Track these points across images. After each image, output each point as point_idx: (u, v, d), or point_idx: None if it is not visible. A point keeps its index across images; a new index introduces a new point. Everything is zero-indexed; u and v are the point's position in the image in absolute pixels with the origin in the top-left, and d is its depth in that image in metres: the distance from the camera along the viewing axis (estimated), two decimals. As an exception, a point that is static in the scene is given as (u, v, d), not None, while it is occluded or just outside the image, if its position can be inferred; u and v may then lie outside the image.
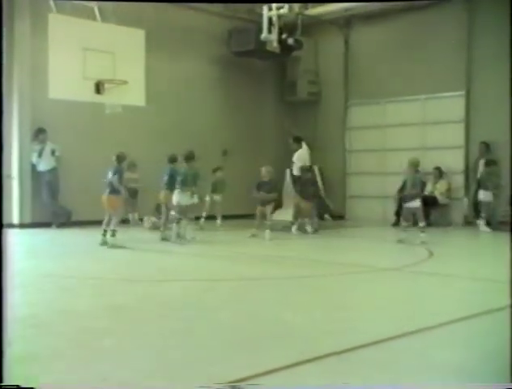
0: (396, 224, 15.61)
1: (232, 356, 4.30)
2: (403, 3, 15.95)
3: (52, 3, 12.64)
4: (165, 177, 11.85)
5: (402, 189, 16.09)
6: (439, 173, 15.77)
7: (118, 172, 10.98)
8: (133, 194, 15.07)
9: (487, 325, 5.34)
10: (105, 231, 10.91)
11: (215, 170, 14.99)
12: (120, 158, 11.17)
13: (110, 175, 10.95)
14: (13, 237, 12.35)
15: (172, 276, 8.12)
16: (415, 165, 12.01)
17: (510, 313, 4.04)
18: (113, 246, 10.66)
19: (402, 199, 12.53)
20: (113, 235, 10.78)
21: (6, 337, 3.45)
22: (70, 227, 13.78)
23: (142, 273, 8.39)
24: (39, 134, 14.11)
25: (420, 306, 6.23)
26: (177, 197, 11.47)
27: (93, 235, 11.34)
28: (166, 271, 8.61)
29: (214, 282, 7.62)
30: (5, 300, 3.50)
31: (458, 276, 8.09)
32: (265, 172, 13.12)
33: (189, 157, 11.80)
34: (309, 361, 4.14)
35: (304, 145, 14.52)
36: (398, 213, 15.75)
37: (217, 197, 14.70)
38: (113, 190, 10.92)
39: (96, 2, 13.36)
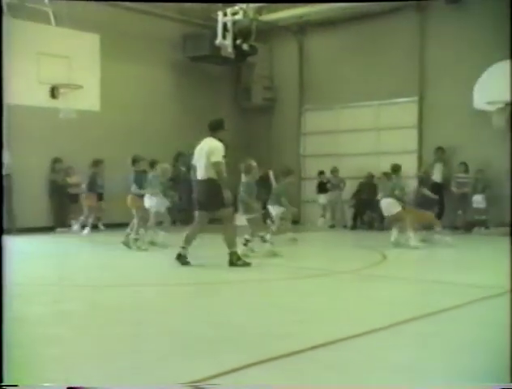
0: (354, 227, 15.86)
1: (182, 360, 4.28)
2: (355, 11, 16.24)
3: (5, 7, 12.35)
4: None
5: (357, 193, 16.40)
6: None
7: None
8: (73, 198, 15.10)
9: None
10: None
11: (285, 174, 11.84)
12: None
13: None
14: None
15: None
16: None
17: (510, 313, 4.14)
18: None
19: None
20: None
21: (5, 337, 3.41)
22: (16, 234, 12.75)
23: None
24: None
25: (372, 308, 6.28)
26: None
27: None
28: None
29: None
30: (5, 300, 3.45)
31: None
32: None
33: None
34: (260, 362, 4.13)
35: None
36: (355, 217, 16.05)
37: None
38: None
39: (49, 7, 13.12)
